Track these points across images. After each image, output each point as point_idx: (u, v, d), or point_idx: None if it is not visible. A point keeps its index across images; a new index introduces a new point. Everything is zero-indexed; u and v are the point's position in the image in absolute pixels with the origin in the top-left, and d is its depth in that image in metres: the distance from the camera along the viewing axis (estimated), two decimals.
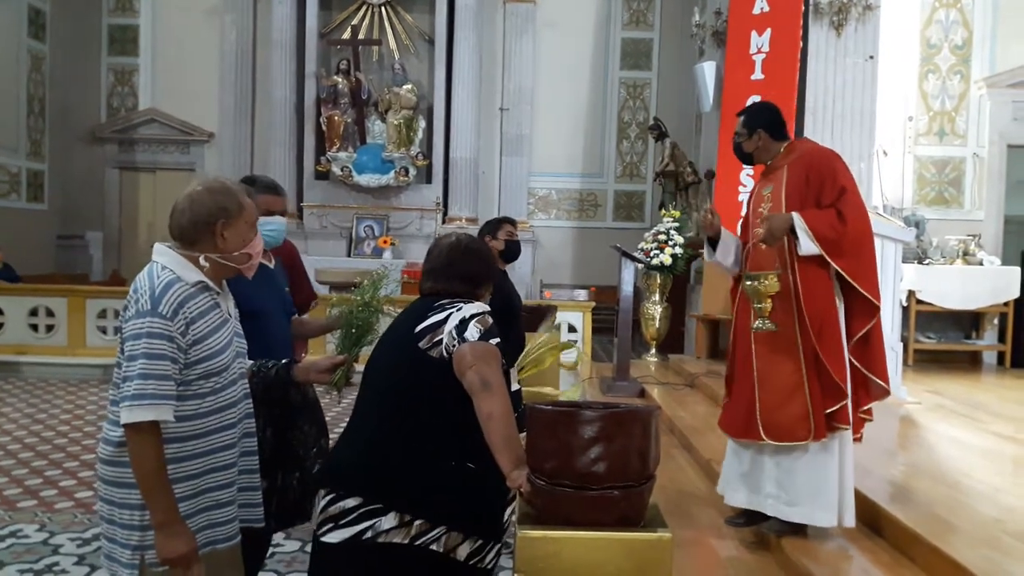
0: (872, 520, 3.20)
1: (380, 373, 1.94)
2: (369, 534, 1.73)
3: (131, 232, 12.63)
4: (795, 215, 2.96)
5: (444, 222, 11.63)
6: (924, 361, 7.31)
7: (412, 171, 11.79)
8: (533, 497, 1.52)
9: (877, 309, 2.99)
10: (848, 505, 3.06)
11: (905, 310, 6.79)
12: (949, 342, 7.55)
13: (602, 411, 1.43)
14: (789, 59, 7.32)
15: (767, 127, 3.19)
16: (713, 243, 3.27)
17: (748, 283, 2.94)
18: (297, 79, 11.83)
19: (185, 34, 12.33)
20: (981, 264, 7.67)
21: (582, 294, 10.03)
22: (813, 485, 3.02)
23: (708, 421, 5.02)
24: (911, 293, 7.20)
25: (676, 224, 8.10)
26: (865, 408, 3.15)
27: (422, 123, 11.92)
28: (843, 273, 2.95)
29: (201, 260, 1.90)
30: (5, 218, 10.99)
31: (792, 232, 2.96)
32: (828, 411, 2.97)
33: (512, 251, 3.91)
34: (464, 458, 1.80)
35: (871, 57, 7.49)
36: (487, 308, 1.92)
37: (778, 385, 3.05)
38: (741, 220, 3.44)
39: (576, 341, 8.04)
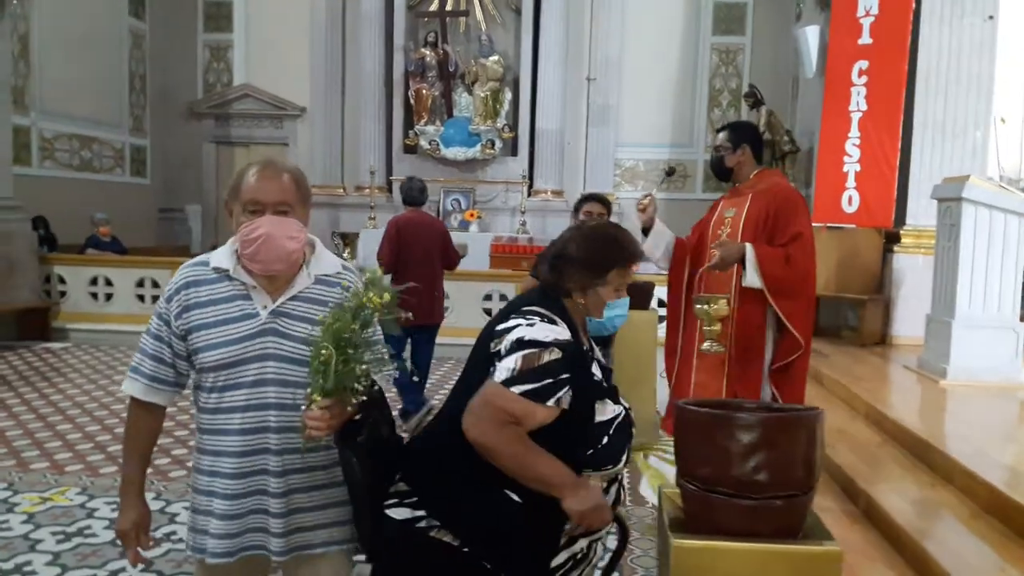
0: (989, 504, 3.06)
1: (469, 361, 1.83)
2: (423, 524, 1.68)
3: None
4: (748, 247, 3.09)
5: (529, 195, 11.57)
6: None
7: (498, 144, 11.75)
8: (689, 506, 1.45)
9: (801, 347, 3.15)
10: None
11: None
12: None
13: (763, 415, 1.36)
14: (900, 21, 6.89)
15: (752, 144, 3.32)
16: (646, 232, 3.38)
17: (699, 306, 3.04)
18: (386, 52, 11.88)
19: (277, 9, 12.52)
20: None
21: None
22: None
23: (812, 402, 4.85)
24: None
25: None
26: None
27: (508, 95, 11.83)
28: (779, 312, 3.11)
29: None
30: (111, 192, 11.51)
31: (742, 262, 3.10)
32: None
33: None
34: (507, 486, 1.64)
35: (991, 17, 6.98)
36: (557, 338, 1.67)
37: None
38: (696, 229, 3.56)
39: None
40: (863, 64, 7.07)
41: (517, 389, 1.61)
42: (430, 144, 11.75)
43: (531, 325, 1.68)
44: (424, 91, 11.74)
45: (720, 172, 3.39)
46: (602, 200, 4.17)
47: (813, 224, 7.09)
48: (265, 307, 1.75)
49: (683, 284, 3.47)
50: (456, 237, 10.99)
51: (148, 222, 12.57)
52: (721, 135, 3.38)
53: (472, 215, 11.51)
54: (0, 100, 8.56)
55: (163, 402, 1.83)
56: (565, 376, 1.65)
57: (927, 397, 4.99)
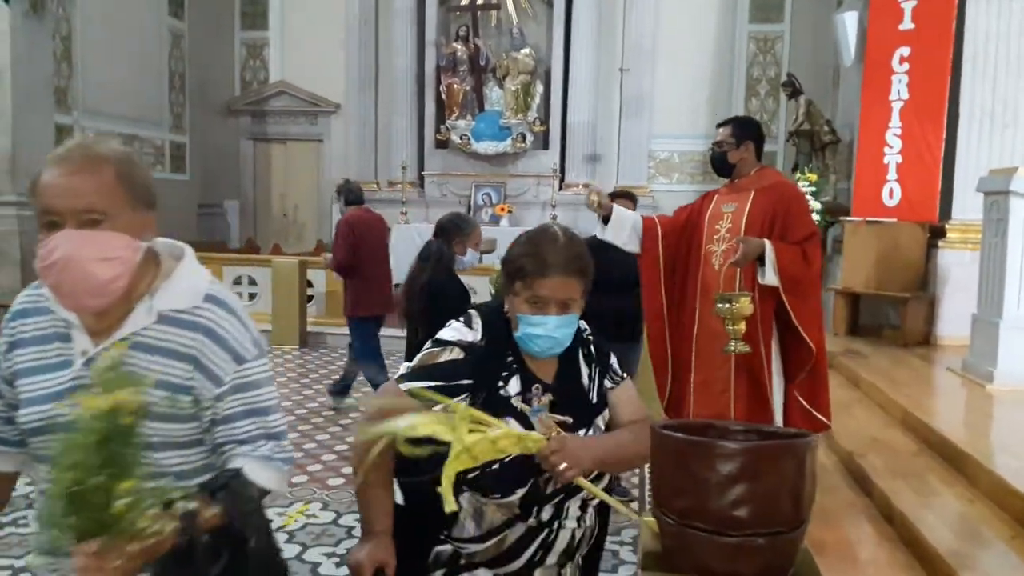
0: None
1: None
2: None
3: (264, 201, 13.19)
4: (767, 244, 3.02)
5: (560, 188, 11.43)
6: None
7: (529, 137, 11.64)
8: None
9: (812, 353, 3.11)
10: None
11: None
12: None
13: (746, 443, 1.23)
14: (944, 5, 6.57)
15: (756, 141, 3.28)
16: (607, 220, 3.31)
17: (720, 304, 2.88)
18: (418, 47, 11.86)
19: (311, 6, 12.59)
20: None
21: None
22: None
23: (848, 407, 4.67)
24: None
25: (812, 188, 7.56)
26: None
27: (539, 88, 11.71)
28: (790, 310, 3.05)
29: None
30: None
31: (759, 259, 3.03)
32: None
33: None
34: (401, 487, 1.64)
35: None
36: (462, 339, 1.58)
37: (708, 401, 3.21)
38: (681, 214, 3.46)
39: None
40: (904, 51, 6.77)
41: (404, 385, 1.55)
42: (461, 139, 11.69)
43: (449, 326, 1.63)
44: (455, 86, 11.69)
45: (721, 167, 3.36)
46: (629, 196, 4.07)
47: (852, 218, 6.93)
48: (84, 353, 1.26)
49: (659, 272, 3.35)
50: (486, 232, 10.94)
51: (188, 217, 12.76)
52: (724, 130, 3.32)
53: (503, 209, 11.42)
54: (43, 99, 8.73)
55: (3, 467, 1.38)
56: (463, 382, 1.55)
57: (971, 403, 4.73)
